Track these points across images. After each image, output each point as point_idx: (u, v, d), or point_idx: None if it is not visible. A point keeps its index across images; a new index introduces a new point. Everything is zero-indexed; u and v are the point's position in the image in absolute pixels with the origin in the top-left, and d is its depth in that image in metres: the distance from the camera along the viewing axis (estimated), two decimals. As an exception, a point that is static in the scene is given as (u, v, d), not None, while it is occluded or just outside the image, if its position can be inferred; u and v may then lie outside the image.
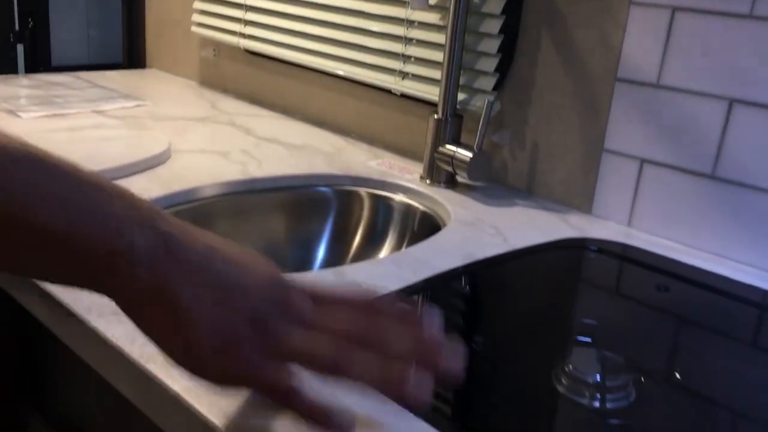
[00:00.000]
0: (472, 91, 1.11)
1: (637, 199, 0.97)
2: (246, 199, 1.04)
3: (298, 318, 0.49)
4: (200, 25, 1.60)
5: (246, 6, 1.47)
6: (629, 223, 0.98)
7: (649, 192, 0.96)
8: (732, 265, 0.89)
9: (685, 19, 0.90)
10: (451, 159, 1.05)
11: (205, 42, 1.63)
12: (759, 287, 0.83)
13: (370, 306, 0.51)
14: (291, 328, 0.48)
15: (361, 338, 0.48)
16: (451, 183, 1.10)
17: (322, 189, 1.09)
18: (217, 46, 1.61)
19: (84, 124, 1.21)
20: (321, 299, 0.51)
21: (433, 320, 0.50)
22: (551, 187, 1.07)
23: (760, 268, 0.87)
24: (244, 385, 0.50)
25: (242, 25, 1.49)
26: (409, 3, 1.16)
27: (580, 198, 1.03)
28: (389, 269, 0.79)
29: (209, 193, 1.00)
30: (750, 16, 0.84)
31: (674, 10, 0.90)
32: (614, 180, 0.99)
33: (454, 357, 0.48)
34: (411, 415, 0.54)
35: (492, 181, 1.13)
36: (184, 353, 0.47)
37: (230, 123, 1.35)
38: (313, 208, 1.09)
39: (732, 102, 0.87)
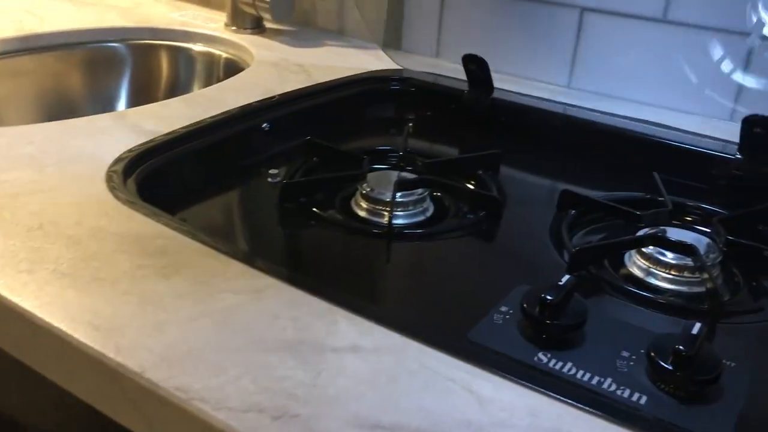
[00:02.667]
0: (269, -76, 1.03)
1: (443, 29, 0.95)
2: (25, 59, 0.93)
3: None
4: None
5: None
6: (437, 54, 0.97)
7: (452, 20, 0.94)
8: (529, 84, 0.89)
9: None
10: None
11: None
12: (559, 101, 0.83)
13: None
14: None
15: None
16: (258, 28, 1.03)
17: (115, 45, 0.99)
18: None
19: None
20: None
21: None
22: (362, 25, 1.03)
23: (559, 85, 0.89)
24: None
25: None
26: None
27: (390, 33, 1.00)
28: (178, 110, 0.73)
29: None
30: None
31: None
32: (420, 11, 0.96)
33: None
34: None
35: (302, 24, 1.08)
36: None
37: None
38: (107, 66, 0.99)
39: None
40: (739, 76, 0.76)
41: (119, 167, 0.60)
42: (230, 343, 0.41)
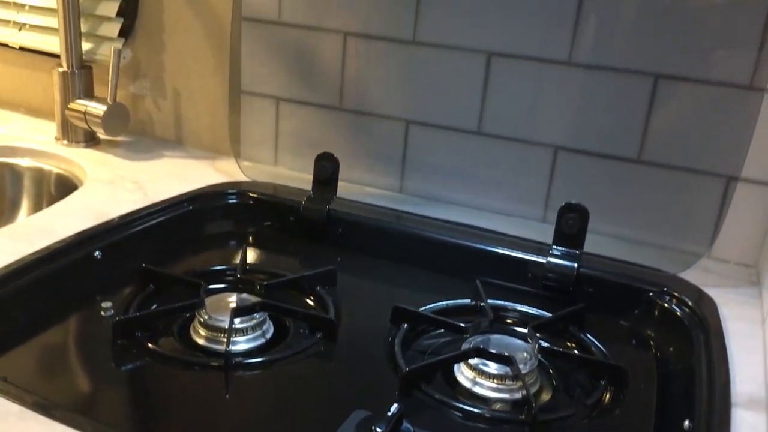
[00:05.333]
0: (98, 39, 1.02)
1: (279, 137, 0.98)
2: None
3: None
4: None
5: None
6: (276, 162, 0.99)
7: (289, 129, 0.97)
8: (365, 190, 0.94)
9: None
10: (84, 114, 0.97)
11: None
12: (393, 208, 0.87)
13: None
14: None
15: None
16: (92, 141, 1.01)
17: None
18: None
19: None
20: None
21: None
22: (200, 135, 1.04)
23: (392, 190, 0.93)
24: None
25: None
26: None
27: (228, 143, 1.01)
28: None
29: None
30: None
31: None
32: (257, 121, 0.99)
33: None
34: None
35: (138, 135, 1.07)
36: None
37: None
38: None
39: (346, 35, 0.90)
40: (546, 183, 0.85)
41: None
42: None
